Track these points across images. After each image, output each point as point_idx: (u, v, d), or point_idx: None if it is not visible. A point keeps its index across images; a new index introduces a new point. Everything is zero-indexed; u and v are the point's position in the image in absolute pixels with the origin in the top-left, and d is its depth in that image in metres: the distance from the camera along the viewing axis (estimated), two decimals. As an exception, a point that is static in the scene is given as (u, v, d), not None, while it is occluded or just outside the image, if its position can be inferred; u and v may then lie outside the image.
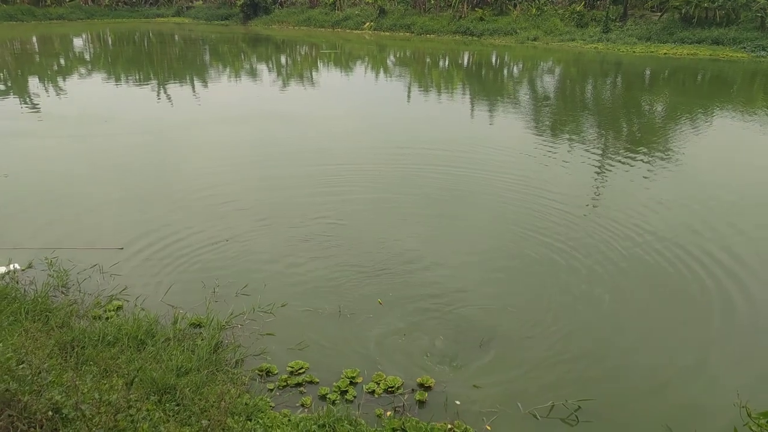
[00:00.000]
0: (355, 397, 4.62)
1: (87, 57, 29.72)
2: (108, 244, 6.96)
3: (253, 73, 24.45)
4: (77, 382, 2.58)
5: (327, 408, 4.37)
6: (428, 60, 29.96)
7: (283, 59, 30.09)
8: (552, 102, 18.64)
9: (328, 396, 4.62)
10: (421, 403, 4.66)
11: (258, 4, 50.27)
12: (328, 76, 24.15)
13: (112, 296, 5.82)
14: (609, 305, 6.04)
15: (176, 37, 38.26)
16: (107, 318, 5.35)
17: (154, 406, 3.03)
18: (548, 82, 23.09)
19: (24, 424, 2.16)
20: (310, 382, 4.80)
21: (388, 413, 4.53)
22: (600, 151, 11.88)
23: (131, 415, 2.35)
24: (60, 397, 2.27)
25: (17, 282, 5.94)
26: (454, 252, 7.23)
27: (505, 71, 26.81)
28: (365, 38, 36.69)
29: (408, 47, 34.25)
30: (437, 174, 10.16)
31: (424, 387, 4.77)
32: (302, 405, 4.51)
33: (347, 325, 5.59)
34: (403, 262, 6.84)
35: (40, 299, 5.38)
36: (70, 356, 4.36)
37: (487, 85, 22.47)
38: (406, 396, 4.70)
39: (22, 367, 2.89)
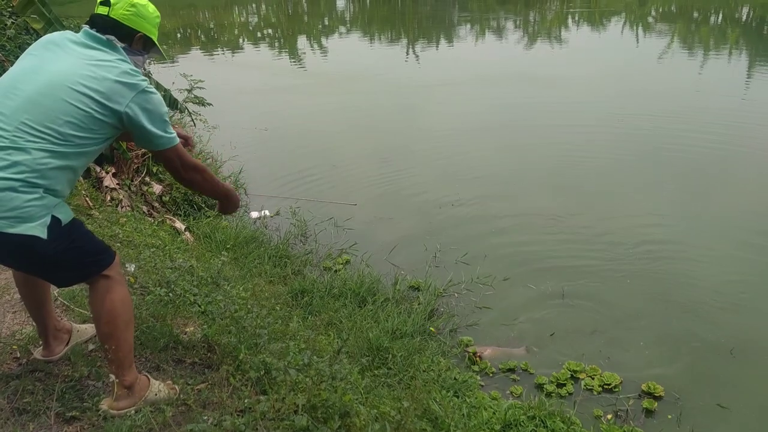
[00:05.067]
0: (570, 393, 4.25)
1: (347, 17, 31.87)
2: (345, 199, 7.37)
3: (499, 32, 23.90)
4: (290, 343, 2.68)
5: (539, 399, 4.07)
6: (696, 15, 26.28)
7: (531, 16, 28.90)
8: None
9: (545, 386, 4.31)
10: (649, 412, 4.11)
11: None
12: (578, 34, 22.57)
13: (342, 250, 6.15)
14: None
15: (428, -5, 39.03)
16: (336, 271, 5.67)
17: (359, 375, 3.06)
18: None
19: (237, 381, 2.29)
20: (524, 370, 4.54)
21: (608, 416, 4.09)
22: None
23: (334, 386, 2.35)
24: (270, 359, 2.36)
25: (266, 227, 6.60)
26: (717, 236, 6.29)
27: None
28: (625, -9, 33.39)
29: (673, 1, 30.39)
30: (697, 144, 8.88)
31: (652, 395, 4.20)
32: (511, 393, 4.28)
33: (569, 311, 5.17)
34: (646, 247, 6.11)
35: (281, 245, 5.90)
36: (299, 304, 4.69)
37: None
38: (631, 402, 4.19)
39: (250, 317, 3.11)
